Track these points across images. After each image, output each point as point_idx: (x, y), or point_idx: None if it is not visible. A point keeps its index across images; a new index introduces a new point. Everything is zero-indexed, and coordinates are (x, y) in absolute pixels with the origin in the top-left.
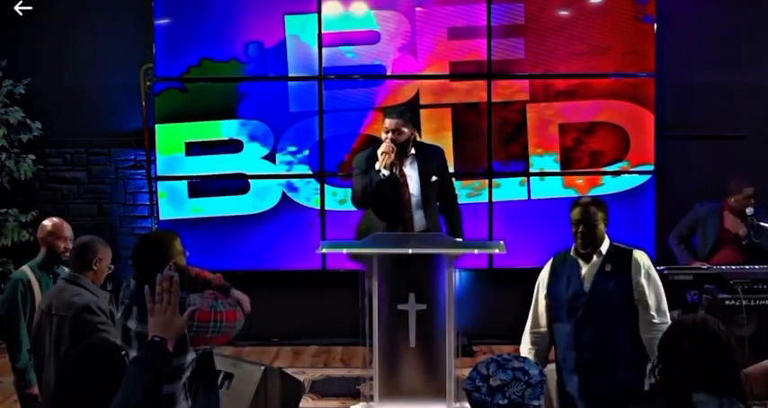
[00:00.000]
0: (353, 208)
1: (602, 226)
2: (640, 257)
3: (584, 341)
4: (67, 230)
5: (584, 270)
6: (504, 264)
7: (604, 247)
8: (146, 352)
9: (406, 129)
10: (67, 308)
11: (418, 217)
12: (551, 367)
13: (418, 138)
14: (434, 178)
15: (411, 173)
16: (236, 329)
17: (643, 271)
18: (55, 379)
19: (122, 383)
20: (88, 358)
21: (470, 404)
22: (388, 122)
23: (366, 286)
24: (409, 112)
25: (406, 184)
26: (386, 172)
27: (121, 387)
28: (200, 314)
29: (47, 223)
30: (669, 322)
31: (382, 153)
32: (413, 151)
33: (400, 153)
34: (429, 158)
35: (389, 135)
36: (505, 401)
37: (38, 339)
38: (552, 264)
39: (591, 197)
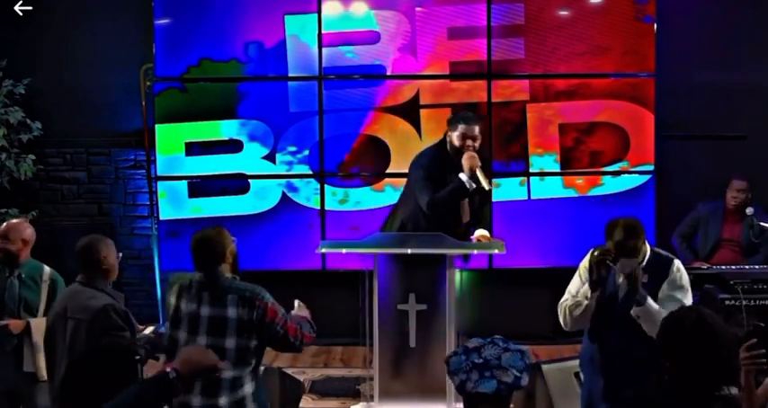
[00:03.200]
0: (353, 208)
1: (642, 249)
2: (678, 267)
3: (614, 349)
4: (16, 232)
5: (621, 278)
6: (504, 264)
7: (644, 259)
8: (156, 382)
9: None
10: (83, 311)
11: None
12: (552, 366)
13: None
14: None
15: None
16: (301, 349)
17: (671, 277)
18: (62, 378)
19: (123, 393)
20: (99, 360)
21: (449, 373)
22: (468, 129)
23: (366, 286)
24: None
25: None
26: (474, 185)
27: (121, 397)
28: (290, 327)
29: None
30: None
31: (476, 166)
32: None
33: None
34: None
35: (467, 141)
36: (480, 360)
37: (50, 341)
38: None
39: (624, 228)
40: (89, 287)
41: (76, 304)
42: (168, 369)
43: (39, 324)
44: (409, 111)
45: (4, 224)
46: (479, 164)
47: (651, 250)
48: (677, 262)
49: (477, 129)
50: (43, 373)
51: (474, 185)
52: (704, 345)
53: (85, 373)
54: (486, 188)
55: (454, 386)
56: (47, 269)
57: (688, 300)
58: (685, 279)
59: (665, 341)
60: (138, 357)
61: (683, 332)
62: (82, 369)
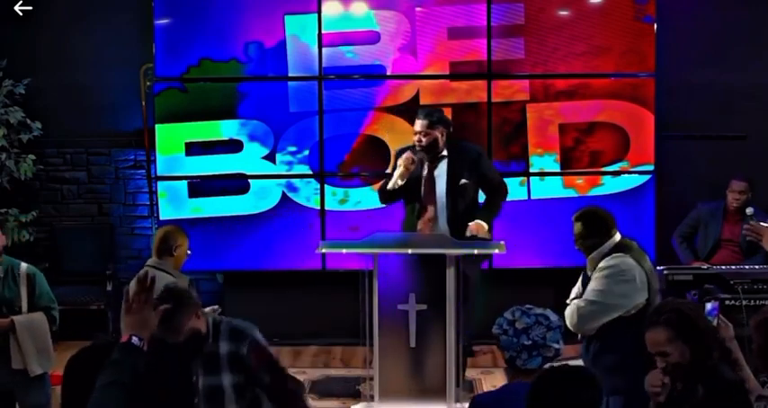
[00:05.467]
0: (353, 208)
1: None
2: (606, 260)
3: (587, 339)
4: None
5: (590, 273)
6: (504, 264)
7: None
8: (123, 354)
9: (433, 131)
10: None
11: (442, 221)
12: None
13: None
14: (463, 181)
15: (440, 175)
16: None
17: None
18: (63, 376)
19: (97, 384)
20: (95, 356)
21: (499, 347)
22: (416, 124)
23: (366, 286)
24: (437, 113)
25: (433, 186)
26: (400, 182)
27: (97, 388)
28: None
29: None
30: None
31: (400, 165)
32: (444, 152)
33: (431, 154)
34: (460, 160)
35: (416, 136)
36: (530, 341)
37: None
38: None
39: (580, 212)
40: (158, 269)
41: None
42: (126, 339)
43: (24, 321)
44: (409, 111)
45: None
46: (407, 164)
47: (615, 244)
48: (610, 259)
49: (421, 124)
50: (33, 368)
51: (400, 183)
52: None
53: (84, 369)
54: (389, 187)
55: (503, 359)
56: (23, 265)
57: (593, 286)
58: (605, 271)
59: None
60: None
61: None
62: (80, 365)
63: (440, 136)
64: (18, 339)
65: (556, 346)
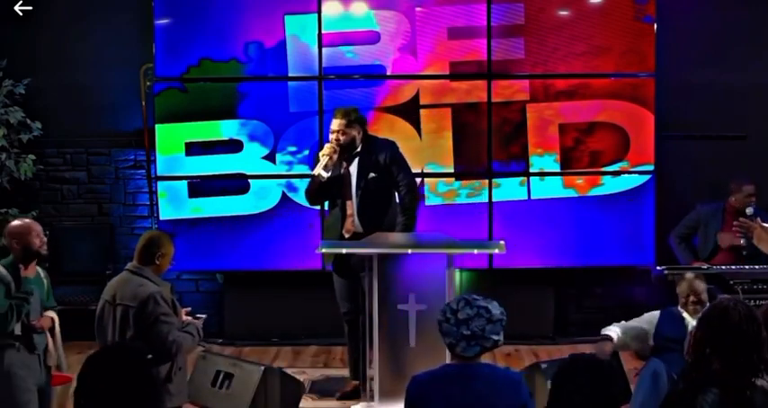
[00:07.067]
0: None
1: (704, 297)
2: None
3: None
4: (39, 226)
5: (687, 319)
6: (504, 264)
7: None
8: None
9: (350, 130)
10: (132, 298)
11: (356, 217)
12: (552, 366)
13: (363, 136)
14: (372, 175)
15: (353, 172)
16: None
17: None
18: (77, 379)
19: None
20: (110, 360)
21: (441, 333)
22: (333, 123)
23: (366, 286)
24: (355, 113)
25: (349, 183)
26: (324, 174)
27: None
28: None
29: (17, 222)
30: None
31: (322, 155)
32: (359, 149)
33: (347, 152)
34: (371, 155)
35: (333, 135)
36: (469, 332)
37: (100, 328)
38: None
39: (695, 272)
40: (138, 275)
41: (126, 291)
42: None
43: (57, 320)
44: (409, 111)
45: (21, 221)
46: (329, 153)
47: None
48: None
49: (338, 123)
50: (65, 366)
51: (325, 175)
52: (750, 336)
53: (99, 375)
54: (314, 172)
55: (444, 343)
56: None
57: None
58: None
59: (709, 330)
60: (149, 357)
61: (730, 324)
62: (96, 371)
63: (356, 134)
64: (56, 337)
65: (495, 338)
